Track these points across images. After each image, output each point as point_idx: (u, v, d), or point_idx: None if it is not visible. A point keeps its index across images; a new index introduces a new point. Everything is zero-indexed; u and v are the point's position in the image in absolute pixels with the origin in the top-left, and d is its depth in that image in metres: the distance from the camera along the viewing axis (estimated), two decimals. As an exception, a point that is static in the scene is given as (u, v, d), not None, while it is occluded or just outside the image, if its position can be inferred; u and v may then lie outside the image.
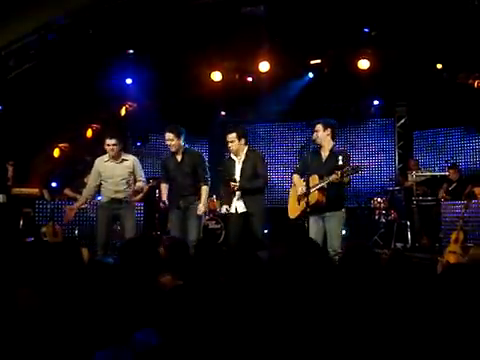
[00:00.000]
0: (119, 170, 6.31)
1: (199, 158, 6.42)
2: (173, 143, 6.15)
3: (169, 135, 6.15)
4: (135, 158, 6.54)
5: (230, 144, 6.12)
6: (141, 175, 6.46)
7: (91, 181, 6.46)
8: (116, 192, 6.27)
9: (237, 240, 6.05)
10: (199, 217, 6.26)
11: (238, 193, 6.06)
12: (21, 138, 8.58)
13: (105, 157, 6.35)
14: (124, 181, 6.29)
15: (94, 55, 8.27)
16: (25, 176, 8.82)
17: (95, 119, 10.29)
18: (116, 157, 6.29)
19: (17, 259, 2.69)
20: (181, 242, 4.07)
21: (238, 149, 6.13)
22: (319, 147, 5.85)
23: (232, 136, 6.10)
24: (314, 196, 5.50)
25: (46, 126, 8.98)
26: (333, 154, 5.77)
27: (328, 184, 5.50)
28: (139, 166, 6.49)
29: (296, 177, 6.02)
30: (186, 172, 6.21)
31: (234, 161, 6.21)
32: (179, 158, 6.26)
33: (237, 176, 6.13)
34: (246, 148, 6.19)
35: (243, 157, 6.14)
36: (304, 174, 5.91)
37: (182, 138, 6.22)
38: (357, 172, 5.52)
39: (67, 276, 2.76)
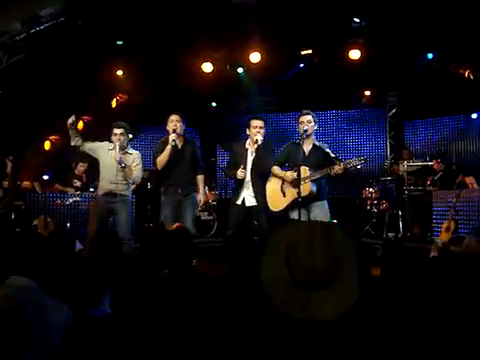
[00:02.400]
0: (115, 156, 6.11)
1: (196, 146, 6.35)
2: (179, 125, 6.07)
3: (177, 117, 6.10)
4: (138, 153, 6.41)
5: (260, 130, 5.93)
6: (138, 170, 6.27)
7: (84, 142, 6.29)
8: (112, 183, 6.16)
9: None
10: (194, 209, 6.23)
11: (249, 183, 5.90)
12: (12, 131, 8.52)
13: (110, 145, 6.25)
14: (122, 173, 6.14)
15: (84, 47, 8.21)
16: (16, 169, 8.78)
17: (86, 111, 10.22)
18: (122, 147, 6.17)
19: (11, 250, 2.68)
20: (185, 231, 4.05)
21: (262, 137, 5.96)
22: (301, 139, 5.69)
23: (262, 123, 5.99)
24: (307, 187, 5.48)
25: (37, 119, 8.93)
26: (316, 147, 5.75)
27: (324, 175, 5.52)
28: (140, 162, 6.33)
29: (277, 168, 5.87)
30: (187, 159, 6.13)
31: (247, 149, 6.04)
32: (180, 144, 6.15)
33: (249, 161, 5.94)
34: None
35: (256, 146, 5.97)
36: (283, 166, 5.87)
37: (184, 126, 6.18)
38: (360, 163, 5.50)
39: (59, 266, 2.75)
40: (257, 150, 5.87)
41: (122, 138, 6.19)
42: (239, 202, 5.96)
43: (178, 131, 6.07)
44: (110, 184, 6.18)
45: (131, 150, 6.37)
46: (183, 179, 6.09)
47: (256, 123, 5.97)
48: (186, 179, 6.12)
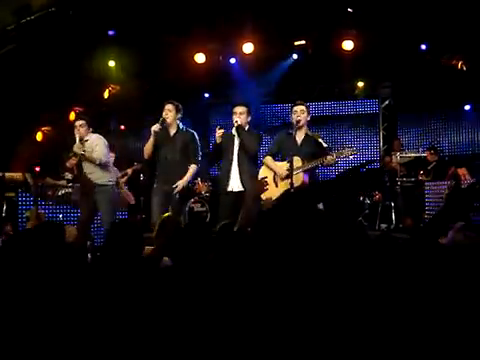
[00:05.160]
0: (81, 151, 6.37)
1: (192, 136, 6.21)
2: (170, 114, 6.04)
3: (169, 106, 6.06)
4: (97, 136, 6.55)
5: (240, 115, 5.97)
6: (98, 151, 6.36)
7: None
8: (88, 174, 6.37)
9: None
10: (184, 200, 6.18)
11: (235, 170, 5.90)
12: (3, 122, 8.48)
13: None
14: (86, 162, 6.34)
15: (75, 37, 8.16)
16: (8, 160, 8.74)
17: (78, 102, 10.18)
18: (81, 139, 6.37)
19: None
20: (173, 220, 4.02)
21: (244, 123, 6.00)
22: (295, 129, 5.72)
23: (242, 109, 6.00)
24: (299, 178, 5.48)
25: (28, 110, 8.88)
26: (309, 137, 5.76)
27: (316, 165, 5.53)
28: (99, 143, 6.44)
29: (270, 159, 5.90)
30: (177, 149, 6.04)
31: (234, 136, 6.06)
32: (172, 132, 6.10)
33: (235, 147, 5.97)
34: (248, 126, 6.08)
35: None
36: (276, 156, 5.87)
37: (179, 115, 6.14)
38: (351, 154, 5.52)
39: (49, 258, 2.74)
40: (239, 134, 5.90)
41: (82, 130, 6.37)
42: (229, 190, 5.93)
43: (168, 120, 6.04)
44: (87, 175, 6.38)
45: (89, 136, 6.46)
46: (171, 169, 6.01)
47: (235, 109, 6.02)
48: (175, 169, 6.01)
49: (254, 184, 5.88)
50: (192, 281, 2.30)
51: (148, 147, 6.08)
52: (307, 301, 1.97)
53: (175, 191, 5.97)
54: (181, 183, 5.98)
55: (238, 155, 5.95)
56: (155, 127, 5.96)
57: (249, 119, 6.08)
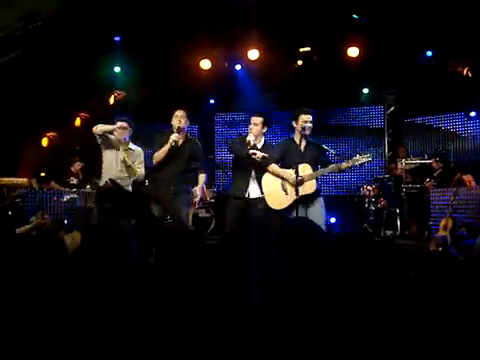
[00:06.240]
0: (124, 156, 6.09)
1: (200, 147, 6.22)
2: (184, 121, 5.95)
3: (181, 112, 5.96)
4: (141, 150, 6.33)
5: (254, 127, 5.91)
6: (142, 169, 6.22)
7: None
8: (118, 179, 6.00)
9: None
10: (187, 206, 6.13)
11: (254, 179, 5.87)
12: (9, 127, 8.51)
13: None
14: (125, 169, 6.07)
15: (81, 43, 8.19)
16: (13, 166, 8.76)
17: (83, 108, 10.22)
18: (125, 144, 6.11)
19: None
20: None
21: (259, 134, 5.95)
22: (301, 137, 5.70)
23: (258, 120, 5.93)
24: (312, 185, 5.47)
25: (34, 115, 8.91)
26: (311, 143, 5.74)
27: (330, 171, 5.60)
28: (143, 160, 6.29)
29: (275, 166, 5.76)
30: (185, 156, 5.98)
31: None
32: (181, 141, 5.97)
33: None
34: (263, 138, 6.03)
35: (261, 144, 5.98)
36: (280, 163, 5.82)
37: (188, 122, 6.07)
38: (367, 160, 5.51)
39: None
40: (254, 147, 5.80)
41: (124, 132, 6.07)
42: (246, 195, 5.87)
43: (182, 126, 5.94)
44: (116, 179, 6.02)
45: (133, 146, 6.27)
46: (177, 176, 5.94)
47: (251, 120, 5.97)
48: (180, 177, 5.95)
49: None
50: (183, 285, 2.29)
51: (161, 155, 5.93)
52: (310, 307, 1.96)
53: (195, 199, 6.02)
54: (199, 192, 6.03)
55: (255, 167, 5.88)
56: (175, 137, 5.83)
57: (265, 130, 6.01)
